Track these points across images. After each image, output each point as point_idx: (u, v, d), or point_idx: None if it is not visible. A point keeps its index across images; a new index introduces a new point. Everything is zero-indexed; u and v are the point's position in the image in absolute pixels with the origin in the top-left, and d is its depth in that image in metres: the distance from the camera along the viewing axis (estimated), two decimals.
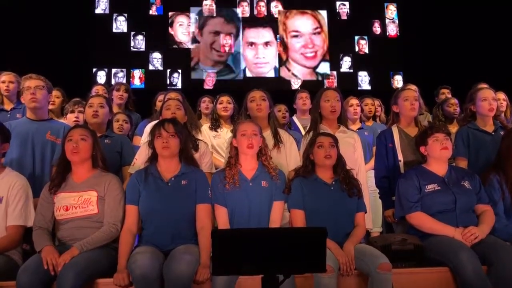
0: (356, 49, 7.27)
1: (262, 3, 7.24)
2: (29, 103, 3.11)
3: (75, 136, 2.61)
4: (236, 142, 2.77)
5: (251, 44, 7.11)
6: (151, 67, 6.89)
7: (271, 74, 7.10)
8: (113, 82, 6.41)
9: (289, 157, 3.05)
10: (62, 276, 2.23)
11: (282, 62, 7.14)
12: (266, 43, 7.15)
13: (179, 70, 6.94)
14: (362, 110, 4.40)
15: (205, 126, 3.94)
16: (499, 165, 2.94)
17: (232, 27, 7.11)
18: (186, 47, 6.99)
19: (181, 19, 7.02)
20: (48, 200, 2.61)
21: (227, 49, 7.03)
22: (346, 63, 7.23)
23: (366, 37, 7.31)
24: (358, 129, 4.10)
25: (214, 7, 7.12)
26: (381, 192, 3.22)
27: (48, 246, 2.42)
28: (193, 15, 7.03)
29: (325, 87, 6.58)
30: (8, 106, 3.81)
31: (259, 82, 6.56)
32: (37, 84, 3.11)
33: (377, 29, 7.36)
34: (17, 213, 2.59)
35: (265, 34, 7.17)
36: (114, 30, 6.90)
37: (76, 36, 6.41)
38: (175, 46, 6.98)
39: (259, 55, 7.11)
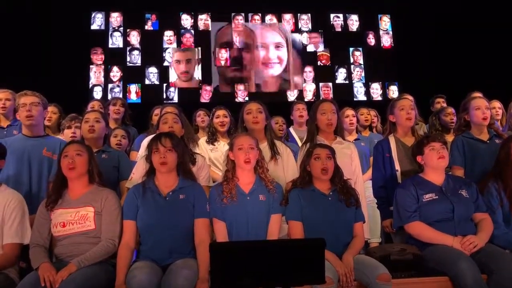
0: (351, 60, 7.33)
1: (257, 17, 7.29)
2: (25, 120, 3.10)
3: (71, 151, 2.61)
4: (233, 155, 2.77)
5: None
6: (147, 82, 6.91)
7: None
8: (109, 97, 6.41)
9: (286, 168, 3.05)
10: None
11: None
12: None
13: None
14: (358, 121, 4.42)
15: (202, 140, 3.94)
16: (498, 173, 2.94)
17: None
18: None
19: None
20: (45, 216, 2.60)
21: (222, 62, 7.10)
22: (341, 75, 7.27)
23: (360, 49, 7.37)
24: (355, 140, 4.11)
25: (209, 21, 7.18)
26: (379, 202, 3.21)
27: (45, 263, 2.40)
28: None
29: (321, 98, 6.62)
30: (4, 123, 3.79)
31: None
32: (32, 101, 3.10)
33: (371, 40, 7.42)
34: (13, 231, 2.57)
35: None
36: (110, 46, 6.94)
37: (72, 52, 6.43)
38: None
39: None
